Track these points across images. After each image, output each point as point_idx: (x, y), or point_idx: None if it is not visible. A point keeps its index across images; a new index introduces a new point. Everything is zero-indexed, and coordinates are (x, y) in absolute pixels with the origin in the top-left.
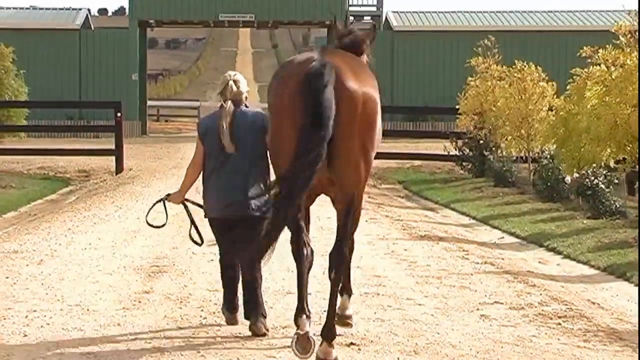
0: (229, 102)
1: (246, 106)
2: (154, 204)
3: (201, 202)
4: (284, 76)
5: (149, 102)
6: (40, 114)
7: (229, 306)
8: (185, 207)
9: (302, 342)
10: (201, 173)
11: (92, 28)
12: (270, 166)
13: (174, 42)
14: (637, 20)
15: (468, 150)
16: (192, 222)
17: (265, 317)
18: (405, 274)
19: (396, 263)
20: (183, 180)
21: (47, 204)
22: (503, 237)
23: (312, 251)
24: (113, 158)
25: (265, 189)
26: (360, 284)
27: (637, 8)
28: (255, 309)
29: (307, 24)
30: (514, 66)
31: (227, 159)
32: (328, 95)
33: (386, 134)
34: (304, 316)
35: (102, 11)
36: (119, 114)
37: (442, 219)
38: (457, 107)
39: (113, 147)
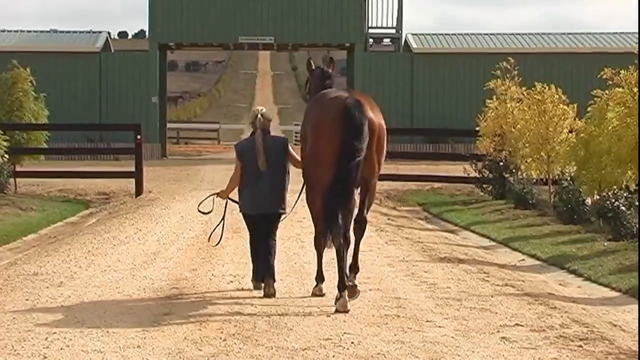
0: (259, 130)
1: (269, 132)
2: (206, 198)
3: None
4: (323, 106)
5: (169, 125)
6: (60, 137)
7: (259, 275)
8: (227, 203)
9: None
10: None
11: (112, 51)
12: (290, 175)
13: (194, 65)
14: (637, 25)
15: (488, 173)
16: (223, 219)
17: (274, 281)
18: (425, 296)
19: (416, 285)
20: (228, 184)
21: (67, 227)
22: (524, 259)
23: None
24: (133, 180)
25: (286, 192)
26: (380, 305)
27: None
28: (269, 275)
29: (327, 47)
30: (533, 88)
31: (259, 173)
32: (366, 122)
33: (406, 156)
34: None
35: (123, 34)
36: (138, 137)
37: (462, 241)
38: (476, 129)
39: (133, 169)
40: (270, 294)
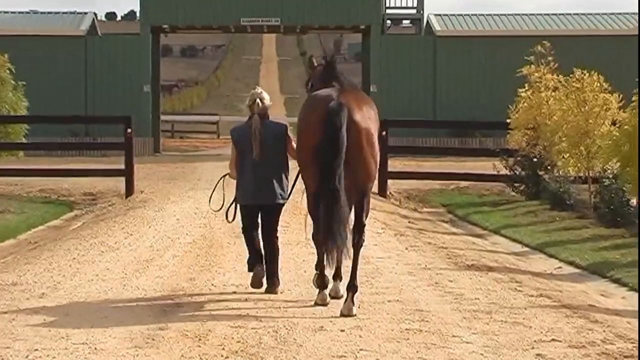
0: (256, 115)
1: (268, 117)
2: (217, 182)
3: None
4: (310, 108)
5: (163, 117)
6: (41, 130)
7: (250, 263)
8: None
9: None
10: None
11: (99, 34)
12: (289, 163)
13: (190, 50)
14: (638, 20)
15: (520, 170)
16: (235, 200)
17: (279, 283)
18: (450, 308)
19: (440, 296)
20: (230, 172)
21: (49, 231)
22: (560, 267)
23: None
24: (123, 179)
25: (287, 181)
26: (400, 319)
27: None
28: (273, 276)
29: (340, 29)
30: (571, 75)
31: (257, 161)
32: (343, 130)
33: (428, 152)
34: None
35: (111, 15)
36: (129, 130)
37: (492, 247)
38: (507, 121)
39: (122, 167)
40: (275, 292)
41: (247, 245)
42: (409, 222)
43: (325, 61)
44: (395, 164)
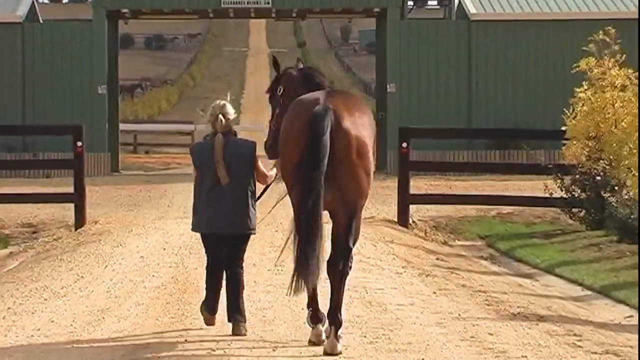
0: (220, 134)
1: (235, 134)
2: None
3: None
4: (293, 115)
5: (123, 126)
6: None
7: (210, 307)
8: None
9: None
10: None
11: (41, 21)
12: (256, 187)
13: (157, 40)
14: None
15: (579, 191)
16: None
17: (245, 321)
18: None
19: (478, 353)
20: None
21: None
22: (632, 316)
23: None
24: (71, 206)
25: (254, 209)
26: None
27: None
28: (237, 313)
29: (348, 13)
30: None
31: (220, 185)
32: (325, 140)
33: (462, 169)
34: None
35: None
36: (79, 144)
37: (543, 290)
38: (562, 129)
39: (71, 190)
40: (242, 334)
41: (207, 286)
42: (437, 258)
43: (300, 70)
44: (419, 185)
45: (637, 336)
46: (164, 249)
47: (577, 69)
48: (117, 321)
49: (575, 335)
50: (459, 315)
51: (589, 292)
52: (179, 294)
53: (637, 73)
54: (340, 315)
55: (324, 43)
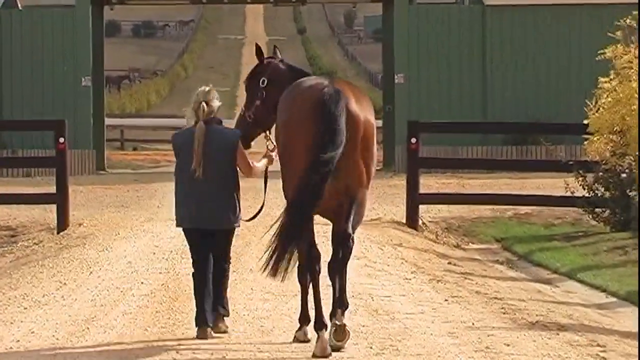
0: (201, 122)
1: (220, 122)
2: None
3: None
4: (296, 97)
5: (109, 121)
6: None
7: (202, 319)
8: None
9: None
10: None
11: (20, 7)
12: (240, 179)
13: (146, 28)
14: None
15: (603, 190)
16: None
17: (228, 314)
18: None
19: None
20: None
21: None
22: None
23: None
24: (53, 208)
25: (237, 202)
26: None
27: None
28: (220, 304)
29: None
30: None
31: (200, 177)
32: (342, 120)
33: (476, 166)
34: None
35: None
36: (61, 140)
37: (564, 297)
38: (584, 122)
39: (53, 190)
40: (221, 330)
41: (195, 296)
42: (449, 262)
43: (287, 64)
44: (429, 183)
45: None
46: (154, 254)
47: (602, 57)
48: (103, 332)
49: (598, 345)
50: (473, 324)
51: (613, 299)
52: (170, 302)
53: None
54: (346, 298)
55: (327, 30)
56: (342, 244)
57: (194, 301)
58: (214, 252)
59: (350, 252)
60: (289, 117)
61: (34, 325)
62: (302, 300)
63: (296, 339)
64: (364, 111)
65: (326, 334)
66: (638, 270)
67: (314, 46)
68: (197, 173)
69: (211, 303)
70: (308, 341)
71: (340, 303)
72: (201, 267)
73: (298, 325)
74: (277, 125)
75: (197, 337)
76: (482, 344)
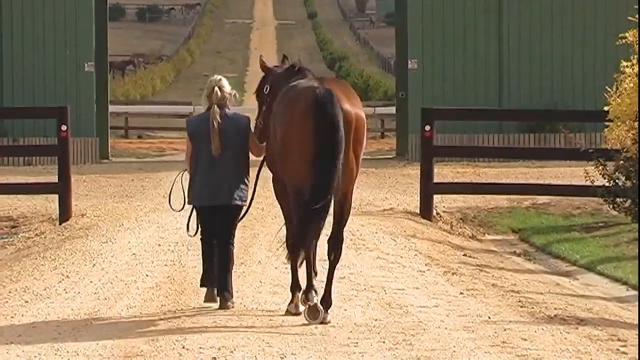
0: (215, 106)
1: (229, 108)
2: (175, 178)
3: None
4: (292, 98)
5: (112, 108)
6: None
7: (208, 279)
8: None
9: (312, 311)
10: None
11: None
12: (250, 161)
13: (151, 11)
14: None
15: (624, 179)
16: (192, 210)
17: (232, 297)
18: None
19: None
20: (188, 167)
21: None
22: None
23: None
24: (55, 198)
25: (248, 181)
26: None
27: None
28: (225, 289)
29: None
30: None
31: (214, 158)
32: (341, 123)
33: (492, 154)
34: (313, 291)
35: None
36: (63, 128)
37: (584, 290)
38: (605, 109)
39: (55, 180)
40: (226, 307)
41: (204, 258)
42: (465, 254)
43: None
44: (444, 172)
45: None
46: (159, 245)
47: (624, 41)
48: (107, 326)
49: (619, 340)
50: (489, 318)
51: (634, 292)
52: (176, 295)
53: None
54: (331, 297)
55: (338, 14)
56: (335, 248)
57: (202, 294)
58: (221, 229)
59: (341, 254)
60: (284, 121)
61: (35, 320)
62: (292, 269)
63: (288, 312)
64: (355, 107)
65: (316, 298)
66: (638, 268)
67: (325, 31)
68: (215, 152)
69: (215, 265)
70: (299, 314)
71: (326, 299)
72: (208, 240)
73: (305, 315)
74: (273, 123)
75: (205, 301)
76: (499, 338)
